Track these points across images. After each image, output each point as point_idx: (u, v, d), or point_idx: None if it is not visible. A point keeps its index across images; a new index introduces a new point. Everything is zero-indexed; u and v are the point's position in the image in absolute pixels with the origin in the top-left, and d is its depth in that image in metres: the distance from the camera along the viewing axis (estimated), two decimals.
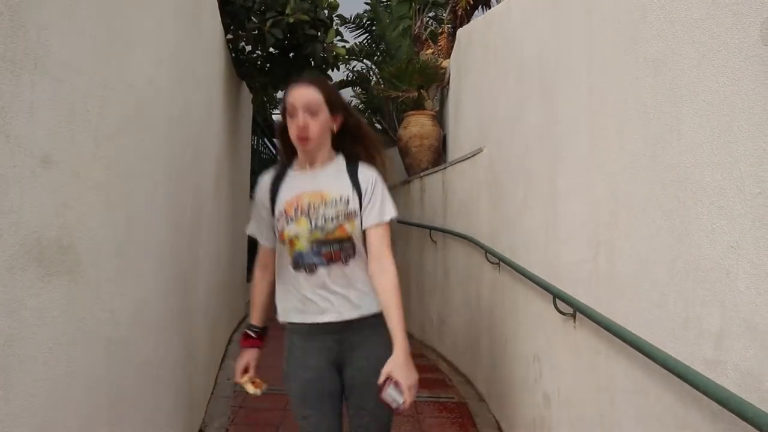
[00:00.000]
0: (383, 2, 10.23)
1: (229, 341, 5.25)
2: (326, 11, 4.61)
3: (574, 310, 2.56)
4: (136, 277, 2.16)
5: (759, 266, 1.42)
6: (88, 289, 1.80)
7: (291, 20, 4.22)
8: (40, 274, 1.58)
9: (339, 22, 5.82)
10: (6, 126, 1.39)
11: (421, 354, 5.82)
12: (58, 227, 1.65)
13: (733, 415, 1.43)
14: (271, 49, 4.83)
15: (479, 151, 4.56)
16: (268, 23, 4.22)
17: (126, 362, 2.05)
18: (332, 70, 5.17)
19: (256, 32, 4.39)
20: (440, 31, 8.04)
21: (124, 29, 2.02)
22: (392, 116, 8.65)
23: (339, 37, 4.89)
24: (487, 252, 4.06)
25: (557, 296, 2.70)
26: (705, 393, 1.53)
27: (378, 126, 11.25)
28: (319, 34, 4.54)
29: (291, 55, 4.93)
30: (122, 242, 2.03)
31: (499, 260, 3.81)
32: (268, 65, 5.06)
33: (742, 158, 1.49)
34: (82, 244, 1.76)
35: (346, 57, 7.69)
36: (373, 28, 10.16)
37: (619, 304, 2.17)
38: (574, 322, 2.61)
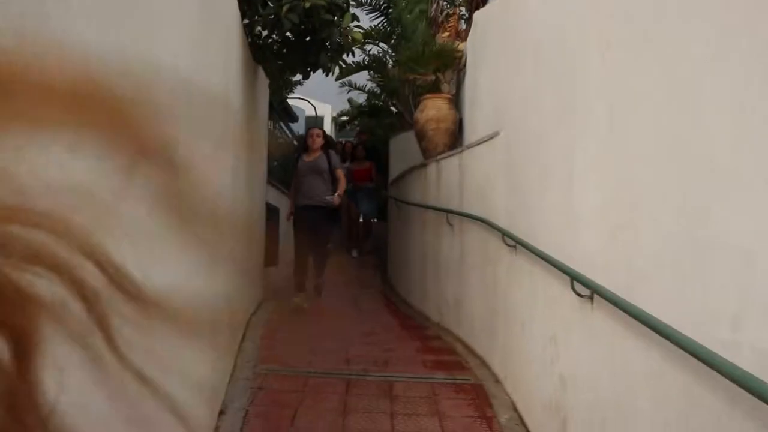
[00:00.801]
0: None
1: (247, 324, 5.32)
2: None
3: (591, 292, 2.57)
4: (160, 262, 2.20)
5: None
6: None
7: (307, 5, 4.22)
8: None
9: (355, 4, 5.81)
10: None
11: (437, 336, 5.87)
12: None
13: (753, 397, 1.44)
14: (288, 34, 4.84)
15: (496, 134, 4.56)
16: (285, 8, 4.23)
17: None
18: (348, 55, 5.17)
19: (273, 17, 4.40)
20: (451, 12, 7.99)
21: (145, 11, 2.05)
22: (408, 100, 8.63)
23: (355, 21, 4.89)
24: (504, 235, 4.08)
25: (575, 278, 2.71)
26: (720, 372, 1.55)
27: (394, 109, 11.24)
28: (335, 18, 4.54)
29: (307, 39, 4.94)
30: (145, 227, 2.06)
31: (516, 243, 3.82)
32: (284, 50, 5.07)
33: (763, 145, 1.50)
34: None
35: (363, 41, 7.67)
36: (390, 10, 10.10)
37: (637, 287, 2.18)
38: (592, 304, 2.62)
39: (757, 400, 1.42)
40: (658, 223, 2.02)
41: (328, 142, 7.00)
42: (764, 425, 1.46)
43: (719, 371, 1.56)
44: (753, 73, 1.53)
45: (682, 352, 1.76)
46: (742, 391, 1.48)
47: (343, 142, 12.45)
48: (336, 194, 6.53)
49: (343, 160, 8.85)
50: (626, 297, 2.22)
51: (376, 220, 11.59)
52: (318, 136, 6.79)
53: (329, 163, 6.61)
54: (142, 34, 2.00)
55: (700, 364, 1.67)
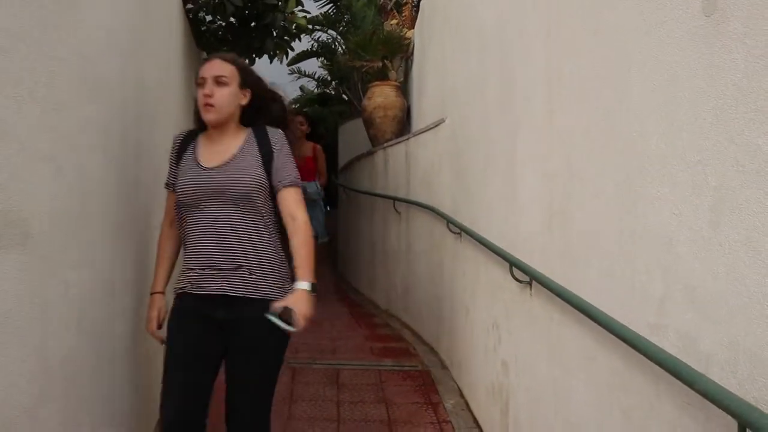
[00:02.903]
0: None
1: None
2: None
3: (530, 278, 2.61)
4: (90, 250, 2.14)
5: (697, 232, 1.47)
6: (39, 261, 1.78)
7: None
8: None
9: None
10: None
11: (386, 323, 5.89)
12: (5, 200, 1.63)
13: (671, 376, 1.49)
14: (232, 19, 4.75)
15: (441, 121, 4.58)
16: None
17: (81, 335, 2.05)
18: (294, 41, 5.10)
19: (217, 1, 4.31)
20: (404, 1, 7.97)
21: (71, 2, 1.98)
22: (357, 87, 8.60)
23: (300, 7, 4.82)
24: (449, 222, 4.10)
25: (514, 264, 2.75)
26: (646, 355, 1.59)
27: (344, 97, 11.18)
28: (279, 3, 4.47)
29: (252, 24, 4.86)
30: (75, 215, 2.00)
31: (460, 230, 3.85)
32: (228, 36, 4.97)
33: (684, 127, 1.53)
34: (33, 216, 1.74)
35: (309, 27, 7.58)
36: None
37: (572, 272, 2.22)
38: (530, 290, 2.66)
39: (678, 381, 1.46)
40: (590, 210, 2.06)
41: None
42: (686, 404, 1.50)
43: (644, 354, 1.60)
44: (678, 69, 1.57)
45: (612, 336, 1.80)
46: (666, 372, 1.52)
47: None
48: None
49: None
50: (563, 282, 2.26)
51: (327, 241, 7.29)
52: None
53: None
54: (62, 17, 1.93)
55: (629, 347, 1.71)
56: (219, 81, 2.26)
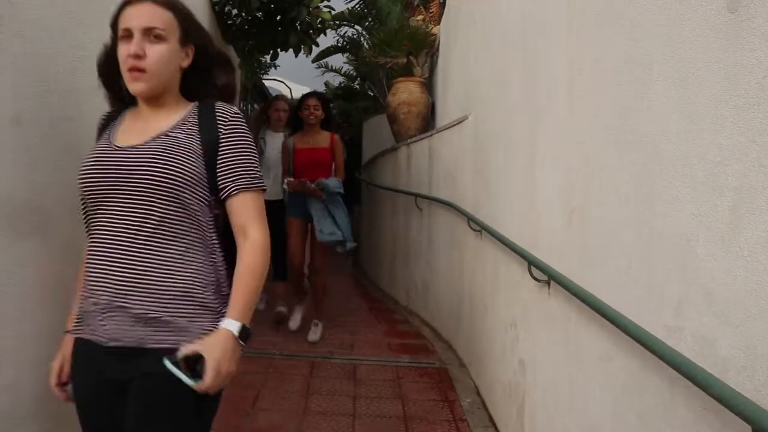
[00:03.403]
0: None
1: None
2: None
3: (548, 277, 2.59)
4: None
5: (716, 233, 1.44)
6: (58, 248, 1.81)
7: None
8: (10, 234, 1.59)
9: None
10: None
11: (405, 320, 5.89)
12: (28, 188, 1.66)
13: (687, 380, 1.46)
14: (258, 14, 4.78)
15: (465, 118, 4.55)
16: None
17: None
18: (319, 36, 5.12)
19: None
20: None
21: None
22: (382, 83, 8.59)
23: (325, 2, 4.83)
24: (470, 219, 4.08)
25: (532, 263, 2.72)
26: (661, 358, 1.57)
27: (370, 92, 11.18)
28: None
29: (278, 18, 4.88)
30: None
31: (480, 228, 3.83)
32: (254, 30, 5.01)
33: (705, 127, 1.50)
34: (53, 204, 1.77)
35: (335, 22, 7.59)
36: None
37: (589, 271, 2.19)
38: (549, 289, 2.64)
39: (694, 385, 1.43)
40: (608, 208, 2.03)
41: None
42: (702, 408, 1.47)
43: (659, 356, 1.58)
44: (698, 74, 1.54)
45: (629, 337, 1.78)
46: (681, 376, 1.49)
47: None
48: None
49: (293, 128, 5.13)
50: (580, 281, 2.24)
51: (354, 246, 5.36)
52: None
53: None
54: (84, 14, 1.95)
55: (644, 349, 1.69)
56: (153, 34, 1.54)
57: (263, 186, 1.62)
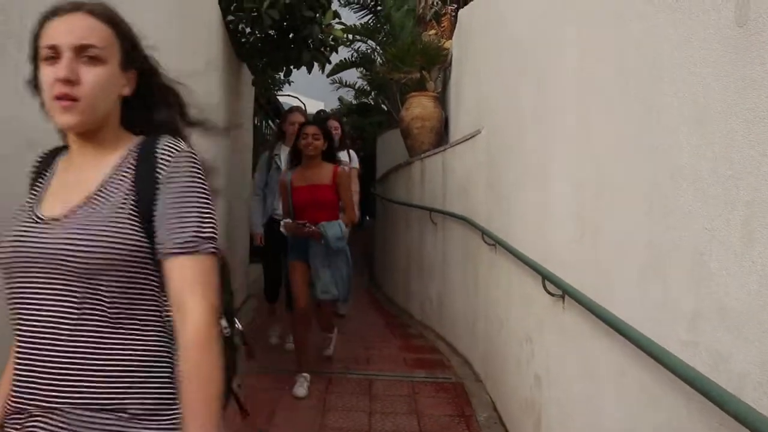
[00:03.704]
0: None
1: None
2: None
3: (562, 291, 2.58)
4: None
5: (729, 248, 1.43)
6: None
7: (287, 0, 4.22)
8: None
9: (340, 3, 5.79)
10: None
11: (420, 334, 5.87)
12: None
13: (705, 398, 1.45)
14: (271, 31, 4.83)
15: (477, 132, 4.56)
16: (265, 4, 4.22)
17: None
18: (333, 52, 5.16)
19: (254, 12, 4.39)
20: (443, 11, 7.98)
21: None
22: (396, 97, 8.63)
23: (337, 19, 4.88)
24: (484, 233, 4.08)
25: (546, 278, 2.72)
26: (675, 373, 1.55)
27: (383, 107, 11.23)
28: (317, 15, 4.53)
29: (290, 36, 4.93)
30: None
31: (495, 242, 3.82)
32: (267, 47, 5.06)
33: (715, 140, 1.50)
34: None
35: (349, 38, 7.65)
36: (378, 8, 10.10)
37: (603, 286, 2.18)
38: (563, 303, 2.62)
39: (708, 401, 1.42)
40: (621, 221, 2.02)
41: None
42: (719, 425, 1.46)
43: (673, 371, 1.57)
44: (710, 81, 1.53)
45: (641, 351, 1.77)
46: (696, 391, 1.48)
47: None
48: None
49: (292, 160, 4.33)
50: (594, 295, 2.23)
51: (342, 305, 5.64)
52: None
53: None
54: None
55: (658, 363, 1.67)
56: (86, 54, 1.20)
57: (211, 249, 1.21)
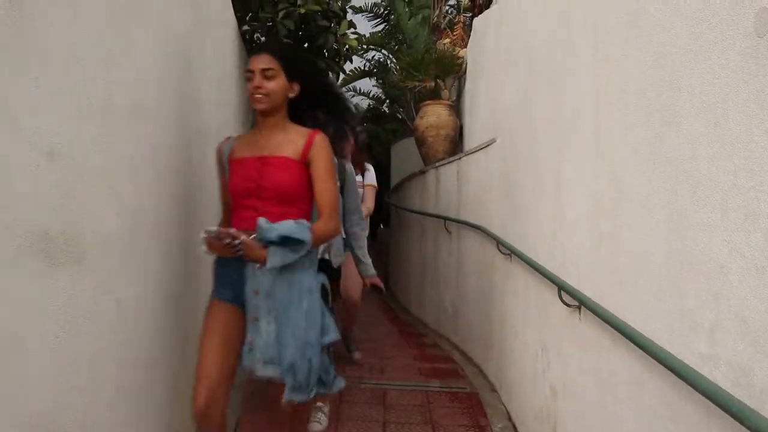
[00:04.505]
0: None
1: None
2: (339, 2, 4.62)
3: (578, 302, 2.56)
4: (142, 268, 2.21)
5: (750, 260, 1.41)
6: (94, 279, 1.84)
7: (303, 11, 4.23)
8: (47, 265, 1.62)
9: (354, 11, 5.80)
10: (12, 120, 1.43)
11: (434, 344, 5.85)
12: (63, 218, 1.70)
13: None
14: (286, 41, 4.85)
15: (492, 141, 4.55)
16: (281, 14, 4.24)
17: (130, 350, 2.10)
18: (347, 62, 5.18)
19: (269, 23, 4.41)
20: (456, 20, 7.99)
21: (129, 22, 2.06)
22: (410, 106, 8.64)
23: (352, 29, 4.89)
24: (499, 242, 4.07)
25: (562, 288, 2.70)
26: (693, 386, 1.54)
27: (398, 116, 11.25)
28: (331, 25, 4.55)
29: (305, 46, 4.95)
30: (128, 233, 2.07)
31: (510, 251, 3.81)
32: None
33: (736, 151, 1.49)
34: (88, 234, 1.80)
35: (363, 47, 7.67)
36: (391, 17, 10.13)
37: (620, 297, 2.17)
38: (579, 314, 2.61)
39: (729, 416, 1.40)
40: (638, 232, 2.01)
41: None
42: None
43: (692, 385, 1.55)
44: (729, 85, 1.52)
45: (660, 364, 1.75)
46: (716, 405, 1.46)
47: None
48: None
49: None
50: (611, 306, 2.21)
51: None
52: None
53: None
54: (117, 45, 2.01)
55: (677, 376, 1.66)
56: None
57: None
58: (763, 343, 1.37)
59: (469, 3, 8.22)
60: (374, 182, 4.76)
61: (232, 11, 3.99)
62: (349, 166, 3.75)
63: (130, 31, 2.08)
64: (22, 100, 1.46)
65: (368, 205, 4.56)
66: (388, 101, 11.88)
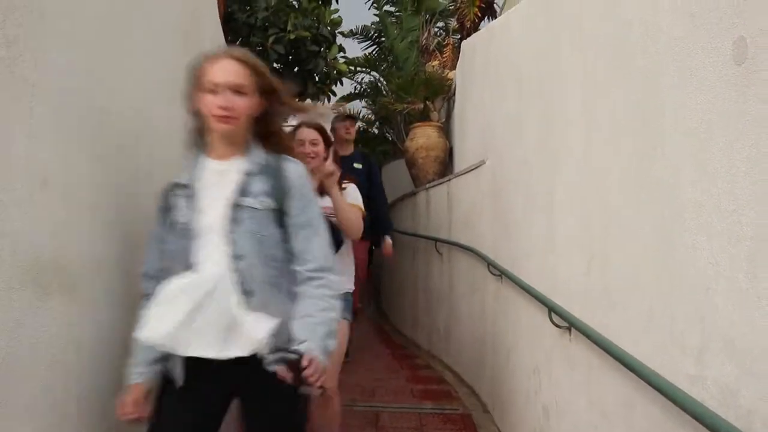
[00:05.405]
0: (393, 14, 10.28)
1: None
2: (328, 27, 4.68)
3: (569, 324, 2.58)
4: (127, 292, 2.21)
5: (734, 282, 1.44)
6: (85, 307, 1.85)
7: (292, 36, 4.29)
8: (38, 294, 1.63)
9: (344, 35, 5.87)
10: (6, 151, 1.45)
11: (427, 365, 5.84)
12: (55, 248, 1.71)
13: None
14: (276, 65, 4.90)
15: (482, 163, 4.59)
16: (271, 39, 4.30)
17: (122, 377, 2.10)
18: (335, 85, 5.23)
19: (260, 48, 4.46)
20: (445, 42, 8.08)
21: (120, 54, 2.08)
22: (400, 127, 8.69)
23: (342, 53, 4.95)
24: (490, 264, 4.08)
25: (552, 310, 2.72)
26: (682, 408, 1.55)
27: (388, 137, 11.29)
28: (321, 49, 4.60)
29: (296, 69, 5.00)
30: (119, 260, 2.07)
31: (500, 272, 3.83)
32: None
33: (718, 176, 1.52)
34: (79, 263, 1.81)
35: (354, 69, 7.72)
36: (382, 39, 10.21)
37: (610, 317, 2.19)
38: (570, 335, 2.62)
39: None
40: (627, 254, 2.03)
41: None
42: None
43: (680, 406, 1.57)
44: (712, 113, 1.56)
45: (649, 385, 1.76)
46: (704, 426, 1.48)
47: None
48: None
49: None
50: (601, 328, 2.23)
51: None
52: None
53: None
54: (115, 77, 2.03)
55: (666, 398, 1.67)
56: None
57: None
58: (750, 364, 1.39)
59: (458, 25, 8.32)
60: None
61: (222, 38, 4.03)
62: None
63: (122, 62, 2.10)
64: (17, 129, 1.48)
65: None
66: (378, 123, 11.93)
